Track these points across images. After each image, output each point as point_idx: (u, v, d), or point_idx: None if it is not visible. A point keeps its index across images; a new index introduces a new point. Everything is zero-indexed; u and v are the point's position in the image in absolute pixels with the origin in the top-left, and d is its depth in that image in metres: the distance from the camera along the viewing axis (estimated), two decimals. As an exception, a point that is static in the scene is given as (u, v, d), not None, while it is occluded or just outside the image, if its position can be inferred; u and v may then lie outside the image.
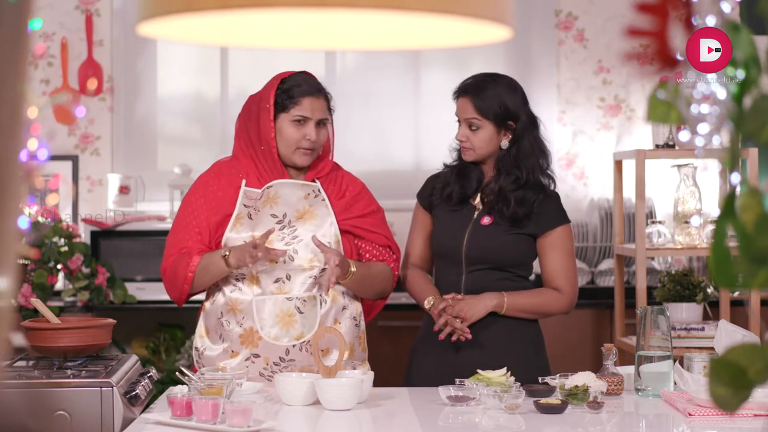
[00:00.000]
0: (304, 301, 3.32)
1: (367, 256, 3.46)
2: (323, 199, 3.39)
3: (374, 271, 3.43)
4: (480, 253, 3.42)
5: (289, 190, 3.37)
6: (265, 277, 3.32)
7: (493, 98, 3.39)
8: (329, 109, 3.40)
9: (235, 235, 3.33)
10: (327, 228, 3.36)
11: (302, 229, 3.34)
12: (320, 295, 3.33)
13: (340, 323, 3.36)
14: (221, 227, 3.35)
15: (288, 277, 3.32)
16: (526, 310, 3.41)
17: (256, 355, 3.31)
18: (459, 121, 3.45)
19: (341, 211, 3.41)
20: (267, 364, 3.31)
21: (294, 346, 3.30)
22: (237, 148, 3.44)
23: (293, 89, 3.34)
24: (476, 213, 3.47)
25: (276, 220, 3.34)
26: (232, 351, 3.33)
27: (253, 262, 3.23)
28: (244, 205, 3.35)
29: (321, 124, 3.36)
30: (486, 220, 3.44)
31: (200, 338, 3.40)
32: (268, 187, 3.35)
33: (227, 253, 3.27)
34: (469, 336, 3.33)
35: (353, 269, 3.33)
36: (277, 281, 3.32)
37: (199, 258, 3.31)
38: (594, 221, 5.31)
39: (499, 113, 3.39)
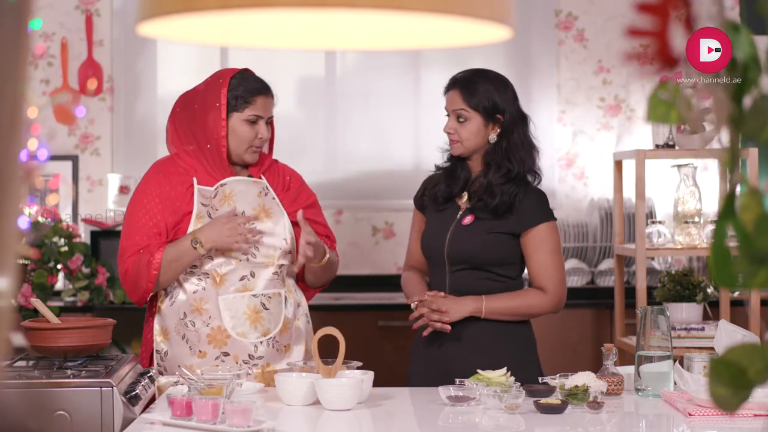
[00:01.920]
0: (270, 297, 3.38)
1: None
2: (273, 198, 3.45)
3: (334, 259, 3.54)
4: (460, 253, 3.41)
5: (244, 188, 3.42)
6: (230, 275, 3.35)
7: (483, 91, 3.41)
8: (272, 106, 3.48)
9: None
10: (282, 226, 3.42)
11: (261, 226, 3.39)
12: (283, 291, 3.40)
13: (297, 320, 3.45)
14: (179, 226, 3.37)
15: (252, 275, 3.37)
16: (507, 312, 3.39)
17: (226, 354, 3.35)
18: (448, 114, 3.47)
19: (289, 204, 3.48)
20: (237, 362, 3.34)
21: (261, 342, 3.35)
22: (176, 146, 3.44)
23: (246, 89, 3.39)
24: (459, 213, 3.47)
25: None
26: (200, 351, 3.35)
27: (240, 237, 3.28)
28: (202, 204, 3.37)
29: (268, 121, 3.43)
30: (467, 220, 3.44)
31: (159, 341, 3.41)
32: (221, 185, 3.38)
33: (199, 239, 3.28)
34: (448, 328, 3.33)
35: (328, 255, 3.42)
36: (242, 279, 3.36)
37: (161, 254, 3.31)
38: (594, 221, 5.31)
39: (488, 105, 3.40)
